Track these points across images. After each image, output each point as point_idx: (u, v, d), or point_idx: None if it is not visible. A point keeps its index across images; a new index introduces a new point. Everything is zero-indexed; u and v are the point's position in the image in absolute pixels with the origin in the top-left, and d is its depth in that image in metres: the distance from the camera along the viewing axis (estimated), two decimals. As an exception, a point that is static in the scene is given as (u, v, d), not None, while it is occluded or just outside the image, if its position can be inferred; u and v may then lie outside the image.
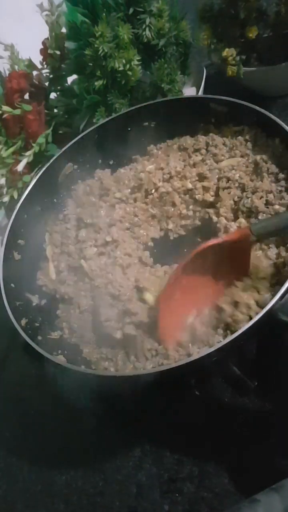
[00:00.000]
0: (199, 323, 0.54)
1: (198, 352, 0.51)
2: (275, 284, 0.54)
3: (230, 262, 0.55)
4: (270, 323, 0.48)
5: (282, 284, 0.48)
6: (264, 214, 0.60)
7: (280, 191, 0.61)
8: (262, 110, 0.65)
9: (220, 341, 0.50)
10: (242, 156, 0.67)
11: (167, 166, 0.70)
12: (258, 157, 0.65)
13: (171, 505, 0.53)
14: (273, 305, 0.46)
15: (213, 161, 0.68)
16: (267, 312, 0.46)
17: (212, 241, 0.55)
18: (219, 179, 0.66)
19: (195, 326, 0.54)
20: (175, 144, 0.73)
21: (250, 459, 0.53)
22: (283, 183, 0.62)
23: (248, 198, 0.62)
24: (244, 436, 0.54)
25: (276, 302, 0.47)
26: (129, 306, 0.57)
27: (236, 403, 0.57)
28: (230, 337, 0.46)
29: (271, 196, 0.61)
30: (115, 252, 0.64)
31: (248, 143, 0.68)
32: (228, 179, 0.65)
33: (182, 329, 0.54)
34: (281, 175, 0.62)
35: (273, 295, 0.47)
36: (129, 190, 0.71)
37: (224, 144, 0.69)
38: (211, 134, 0.71)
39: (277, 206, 0.60)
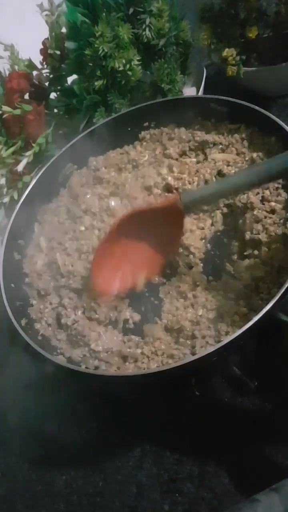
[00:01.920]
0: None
1: (198, 352, 0.51)
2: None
3: (162, 230, 0.58)
4: (270, 323, 0.48)
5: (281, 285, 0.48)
6: (260, 210, 0.60)
7: (277, 188, 0.61)
8: (262, 110, 0.65)
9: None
10: (238, 154, 0.67)
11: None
12: (254, 154, 0.65)
13: (171, 505, 0.53)
14: (273, 305, 0.46)
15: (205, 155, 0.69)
16: (267, 312, 0.46)
17: (142, 206, 0.60)
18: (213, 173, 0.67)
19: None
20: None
21: (250, 459, 0.53)
22: (279, 180, 0.62)
23: (244, 194, 0.62)
24: (244, 436, 0.54)
25: (276, 302, 0.47)
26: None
27: (236, 403, 0.57)
28: (230, 337, 0.46)
29: (267, 192, 0.61)
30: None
31: (244, 141, 0.68)
32: (224, 175, 0.65)
33: (112, 284, 0.59)
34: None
35: (274, 295, 0.47)
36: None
37: (220, 142, 0.69)
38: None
39: (273, 203, 0.60)
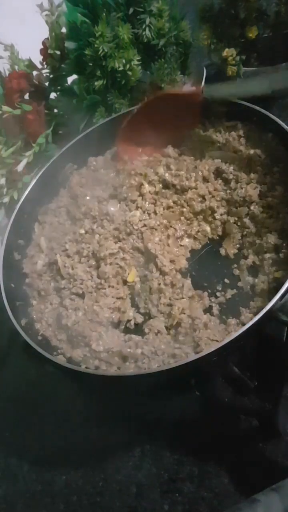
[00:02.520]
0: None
1: (197, 353, 0.51)
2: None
3: (179, 117, 0.68)
4: (270, 323, 0.48)
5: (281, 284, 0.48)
6: (257, 206, 0.61)
7: (273, 184, 0.62)
8: (262, 110, 0.65)
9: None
10: (235, 152, 0.67)
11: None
12: (251, 151, 0.65)
13: (171, 505, 0.53)
14: (273, 305, 0.46)
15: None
16: (267, 312, 0.46)
17: (167, 92, 0.69)
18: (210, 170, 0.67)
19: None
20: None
21: (250, 459, 0.53)
22: (277, 175, 0.62)
23: (242, 188, 0.63)
24: (244, 436, 0.54)
25: (276, 302, 0.47)
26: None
27: (236, 403, 0.57)
28: (230, 337, 0.46)
29: (264, 187, 0.62)
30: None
31: (241, 138, 0.68)
32: (222, 172, 0.66)
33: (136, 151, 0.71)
34: (275, 169, 0.63)
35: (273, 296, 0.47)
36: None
37: (217, 141, 0.69)
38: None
39: (269, 198, 0.61)
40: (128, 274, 0.62)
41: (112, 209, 0.67)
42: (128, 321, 0.60)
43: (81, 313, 0.59)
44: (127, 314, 0.59)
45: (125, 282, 0.62)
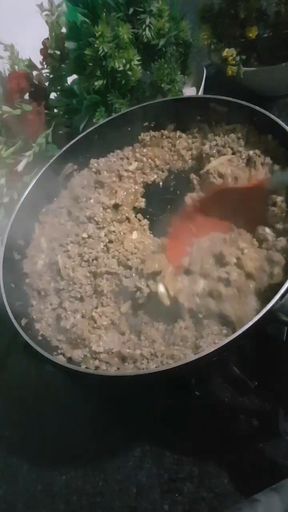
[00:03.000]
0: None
1: (198, 352, 0.51)
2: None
3: (244, 210, 0.58)
4: (270, 323, 0.48)
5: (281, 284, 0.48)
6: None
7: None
8: (262, 110, 0.64)
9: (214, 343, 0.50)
10: (233, 153, 0.67)
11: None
12: (251, 152, 0.65)
13: (171, 505, 0.53)
14: (273, 305, 0.46)
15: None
16: (267, 312, 0.46)
17: (230, 184, 0.59)
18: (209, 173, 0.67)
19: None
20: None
21: (250, 459, 0.53)
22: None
23: None
24: (244, 436, 0.54)
25: (276, 302, 0.47)
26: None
27: (236, 403, 0.57)
28: (230, 337, 0.46)
29: None
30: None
31: (240, 140, 0.68)
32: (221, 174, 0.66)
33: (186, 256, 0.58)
34: (276, 167, 0.63)
35: (273, 295, 0.47)
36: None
37: (216, 144, 0.69)
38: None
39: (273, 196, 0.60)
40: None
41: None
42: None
43: (80, 316, 0.59)
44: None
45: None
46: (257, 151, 0.65)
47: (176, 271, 0.57)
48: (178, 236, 0.60)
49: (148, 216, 0.70)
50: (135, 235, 0.66)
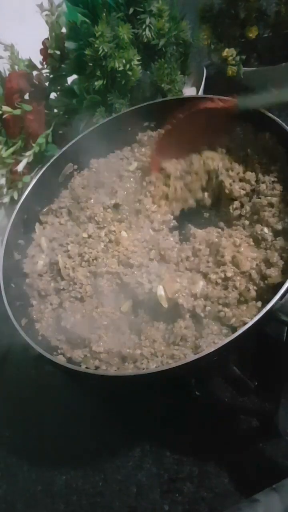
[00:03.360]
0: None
1: (198, 352, 0.51)
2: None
3: (208, 129, 0.66)
4: (270, 323, 0.48)
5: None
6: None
7: (273, 182, 0.62)
8: (262, 110, 0.64)
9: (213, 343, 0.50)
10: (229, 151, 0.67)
11: None
12: (248, 150, 0.65)
13: (171, 505, 0.53)
14: (273, 305, 0.46)
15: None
16: (267, 312, 0.46)
17: (204, 105, 0.65)
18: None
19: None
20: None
21: (250, 459, 0.53)
22: (275, 174, 0.63)
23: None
24: (244, 436, 0.54)
25: (276, 302, 0.47)
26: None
27: (236, 403, 0.57)
28: (230, 337, 0.46)
29: (263, 186, 0.62)
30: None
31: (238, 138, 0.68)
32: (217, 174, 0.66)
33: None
34: (273, 167, 0.63)
35: (273, 295, 0.47)
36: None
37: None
38: None
39: (269, 197, 0.61)
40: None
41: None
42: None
43: (80, 316, 0.59)
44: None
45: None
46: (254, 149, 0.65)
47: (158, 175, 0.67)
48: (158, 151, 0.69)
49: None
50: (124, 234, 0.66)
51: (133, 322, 0.58)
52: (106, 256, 0.63)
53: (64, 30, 0.79)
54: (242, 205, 0.64)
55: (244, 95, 0.64)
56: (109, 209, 0.69)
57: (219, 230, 0.63)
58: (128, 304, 0.59)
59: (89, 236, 0.66)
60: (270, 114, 0.63)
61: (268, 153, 0.64)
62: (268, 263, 0.55)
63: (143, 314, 0.58)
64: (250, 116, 0.66)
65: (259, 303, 0.53)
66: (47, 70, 0.83)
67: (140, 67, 0.75)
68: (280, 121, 0.62)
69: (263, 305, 0.48)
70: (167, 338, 0.55)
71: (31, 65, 0.83)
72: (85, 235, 0.66)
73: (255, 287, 0.54)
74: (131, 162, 0.74)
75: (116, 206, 0.69)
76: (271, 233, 0.58)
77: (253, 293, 0.54)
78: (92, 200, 0.70)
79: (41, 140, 0.78)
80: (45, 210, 0.72)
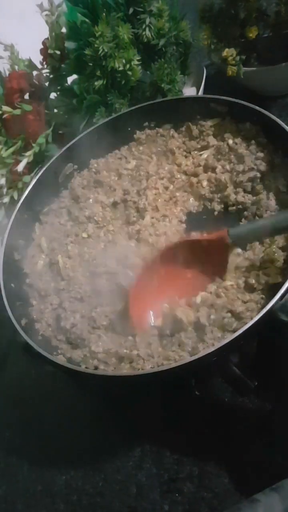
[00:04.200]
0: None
1: (198, 352, 0.51)
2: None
3: (207, 261, 0.58)
4: (270, 323, 0.48)
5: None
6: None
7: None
8: (262, 110, 0.65)
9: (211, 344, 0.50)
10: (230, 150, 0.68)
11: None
12: (230, 141, 0.66)
13: (171, 505, 0.53)
14: (273, 305, 0.46)
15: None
16: (267, 312, 0.46)
17: (191, 237, 0.60)
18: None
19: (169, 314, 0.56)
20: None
21: (250, 459, 0.53)
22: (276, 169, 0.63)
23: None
24: (244, 436, 0.54)
25: (276, 302, 0.47)
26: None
27: (236, 403, 0.57)
28: (230, 337, 0.46)
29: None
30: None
31: (238, 139, 0.68)
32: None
33: (155, 315, 0.57)
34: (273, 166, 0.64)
35: (272, 296, 0.47)
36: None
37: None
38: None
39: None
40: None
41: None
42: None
43: (79, 316, 0.59)
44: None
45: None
46: (237, 140, 0.66)
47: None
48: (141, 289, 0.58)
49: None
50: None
51: (126, 324, 0.57)
52: (106, 256, 0.63)
53: (64, 30, 0.79)
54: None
55: (235, 227, 0.59)
56: (108, 208, 0.69)
57: None
58: (124, 305, 0.59)
59: (89, 236, 0.66)
60: (273, 116, 0.63)
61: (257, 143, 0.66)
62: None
63: None
64: (253, 117, 0.66)
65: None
66: (47, 70, 0.83)
67: (140, 67, 0.75)
68: (282, 122, 0.61)
69: (263, 305, 0.48)
70: (164, 344, 0.55)
71: (31, 65, 0.83)
72: (84, 235, 0.66)
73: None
74: (129, 160, 0.74)
75: (114, 205, 0.69)
76: None
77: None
78: (91, 200, 0.70)
79: (41, 140, 0.78)
80: (45, 210, 0.72)
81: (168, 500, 0.53)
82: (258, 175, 0.62)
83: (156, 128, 0.75)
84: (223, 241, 0.56)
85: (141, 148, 0.74)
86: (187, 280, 0.58)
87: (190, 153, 0.72)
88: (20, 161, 0.77)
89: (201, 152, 0.70)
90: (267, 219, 0.59)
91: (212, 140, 0.69)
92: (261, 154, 0.63)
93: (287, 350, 0.53)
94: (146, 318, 0.57)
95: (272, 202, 0.60)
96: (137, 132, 0.75)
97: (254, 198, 0.62)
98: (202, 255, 0.58)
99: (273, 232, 0.54)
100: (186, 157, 0.72)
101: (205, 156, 0.69)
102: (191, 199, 0.68)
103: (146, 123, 0.75)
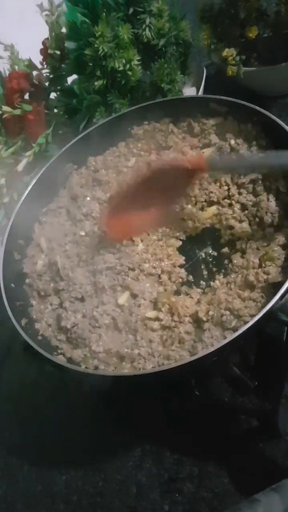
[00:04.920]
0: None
1: (198, 352, 0.51)
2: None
3: (176, 182, 0.60)
4: (270, 323, 0.48)
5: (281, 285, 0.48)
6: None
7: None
8: (262, 110, 0.64)
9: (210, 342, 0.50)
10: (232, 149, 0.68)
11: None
12: (232, 142, 0.66)
13: (171, 505, 0.53)
14: (273, 305, 0.46)
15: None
16: (267, 312, 0.46)
17: (171, 162, 0.62)
18: None
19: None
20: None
21: (250, 459, 0.53)
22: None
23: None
24: (244, 436, 0.54)
25: (276, 302, 0.47)
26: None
27: (236, 403, 0.57)
28: (230, 337, 0.46)
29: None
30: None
31: (239, 139, 0.68)
32: None
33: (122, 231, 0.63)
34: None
35: (272, 295, 0.47)
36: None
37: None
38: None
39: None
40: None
41: None
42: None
43: (80, 315, 0.59)
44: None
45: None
46: (239, 140, 0.66)
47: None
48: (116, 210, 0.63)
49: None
50: None
51: (128, 318, 0.57)
52: (104, 252, 0.63)
53: (64, 30, 0.79)
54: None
55: (216, 155, 0.62)
56: (105, 203, 0.68)
57: None
58: (125, 296, 0.59)
59: (86, 234, 0.66)
60: (273, 116, 0.63)
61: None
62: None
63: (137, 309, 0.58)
64: (253, 117, 0.66)
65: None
66: (47, 70, 0.83)
67: (140, 67, 0.75)
68: (282, 122, 0.61)
69: (263, 305, 0.48)
70: (165, 340, 0.55)
71: (31, 65, 0.83)
72: (82, 233, 0.66)
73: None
74: (129, 158, 0.74)
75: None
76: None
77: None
78: (88, 198, 0.70)
79: (41, 140, 0.78)
80: (44, 210, 0.72)
81: (168, 500, 0.53)
82: (260, 176, 0.62)
83: (153, 123, 0.74)
84: (197, 167, 0.58)
85: (139, 144, 0.74)
86: (154, 203, 0.62)
87: (191, 150, 0.71)
88: (20, 161, 0.77)
89: (203, 150, 0.70)
90: (245, 156, 0.63)
91: (214, 138, 0.69)
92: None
93: (287, 350, 0.53)
94: (120, 230, 0.63)
95: (272, 203, 0.60)
96: (135, 127, 0.75)
97: (255, 199, 0.61)
98: (172, 180, 0.60)
99: (249, 169, 0.60)
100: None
101: (207, 154, 0.69)
102: None
103: (146, 123, 0.75)
